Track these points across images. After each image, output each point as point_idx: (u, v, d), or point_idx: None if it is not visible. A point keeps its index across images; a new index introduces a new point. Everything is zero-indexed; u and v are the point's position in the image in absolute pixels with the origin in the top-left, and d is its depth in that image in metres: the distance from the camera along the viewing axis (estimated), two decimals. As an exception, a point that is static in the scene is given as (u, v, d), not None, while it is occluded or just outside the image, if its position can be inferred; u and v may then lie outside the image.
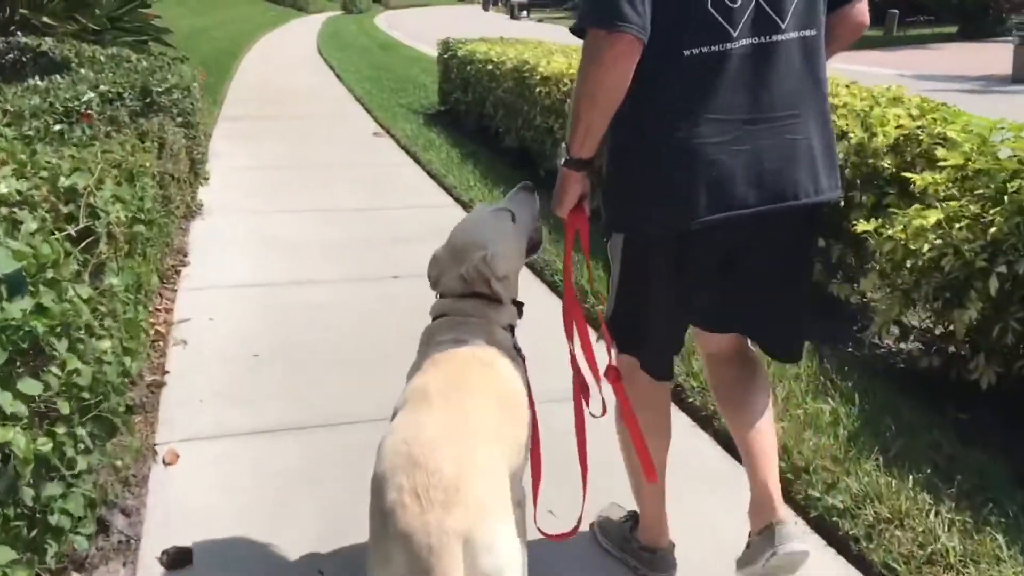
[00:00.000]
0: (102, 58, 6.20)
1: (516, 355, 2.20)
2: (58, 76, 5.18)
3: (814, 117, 2.07)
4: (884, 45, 23.76)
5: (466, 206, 6.64)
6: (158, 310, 4.42)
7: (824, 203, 2.12)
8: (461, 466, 1.65)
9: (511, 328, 2.26)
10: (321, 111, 11.73)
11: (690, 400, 3.46)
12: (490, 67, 8.76)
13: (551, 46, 9.11)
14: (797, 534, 2.23)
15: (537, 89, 7.10)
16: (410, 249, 5.44)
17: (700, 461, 3.11)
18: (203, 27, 24.45)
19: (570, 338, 2.32)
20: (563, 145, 2.13)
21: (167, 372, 3.73)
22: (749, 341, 2.40)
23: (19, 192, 2.50)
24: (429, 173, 7.84)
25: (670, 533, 2.48)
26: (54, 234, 2.40)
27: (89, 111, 4.30)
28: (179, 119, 5.74)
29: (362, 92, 13.12)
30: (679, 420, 3.37)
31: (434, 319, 2.25)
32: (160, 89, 5.51)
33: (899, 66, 18.02)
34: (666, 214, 2.03)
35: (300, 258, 5.36)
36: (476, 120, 9.53)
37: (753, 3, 1.96)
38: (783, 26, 1.99)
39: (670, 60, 1.95)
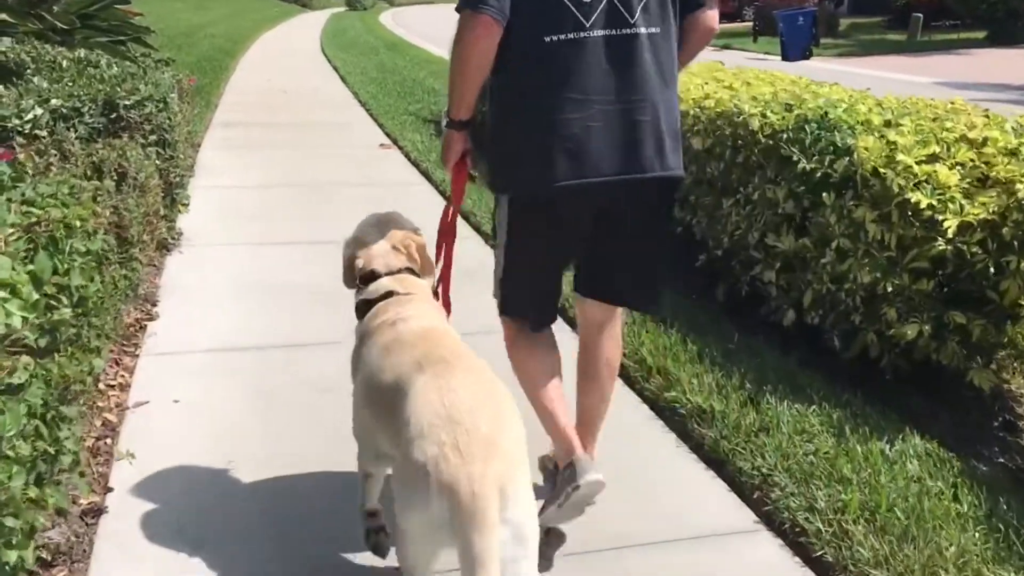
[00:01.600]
0: (64, 63, 5.28)
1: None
2: (0, 87, 4.26)
3: (661, 104, 2.38)
4: (909, 50, 22.83)
5: (488, 238, 5.73)
6: (111, 386, 3.50)
7: (671, 179, 2.46)
8: (494, 423, 1.87)
9: None
10: (323, 118, 10.79)
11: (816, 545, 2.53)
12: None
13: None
14: (594, 465, 2.50)
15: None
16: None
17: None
18: (202, 24, 23.53)
19: (439, 257, 2.65)
20: (444, 110, 2.47)
21: (110, 490, 2.81)
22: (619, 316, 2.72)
23: None
24: (443, 195, 6.90)
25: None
26: None
27: (12, 145, 3.38)
28: (152, 137, 4.81)
29: (367, 96, 12.18)
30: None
31: (375, 299, 2.38)
32: (129, 102, 4.58)
33: (931, 73, 17.12)
34: (532, 178, 2.38)
35: (296, 309, 4.42)
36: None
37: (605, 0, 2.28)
38: (632, 21, 2.32)
39: (534, 45, 2.29)
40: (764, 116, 4.06)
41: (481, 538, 1.72)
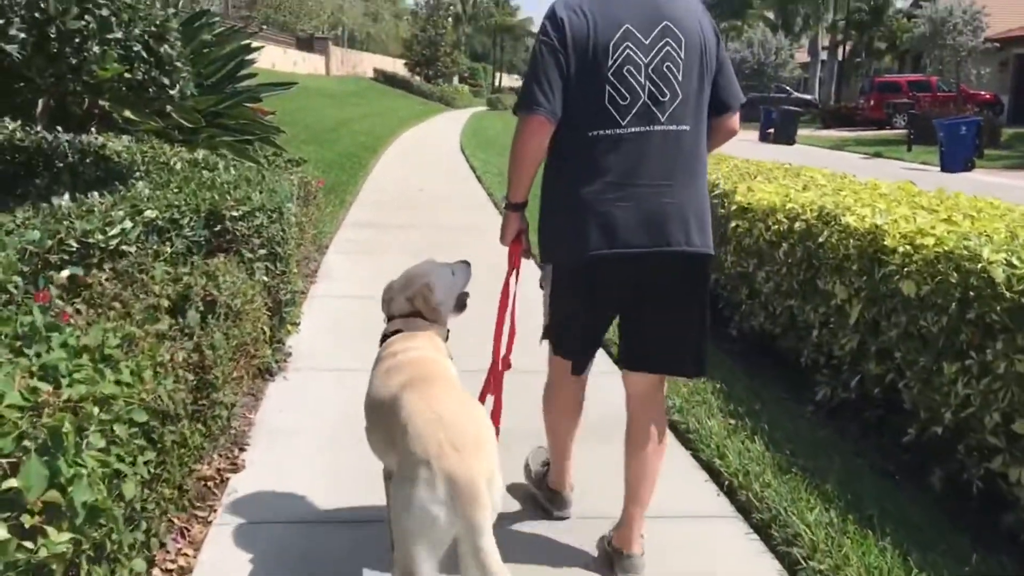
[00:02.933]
0: (178, 165, 4.86)
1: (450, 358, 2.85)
2: (96, 194, 3.80)
3: (686, 189, 2.76)
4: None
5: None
6: (168, 571, 2.82)
7: (697, 255, 2.78)
8: (478, 427, 2.33)
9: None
10: (457, 220, 10.31)
11: None
12: (662, 185, 7.09)
13: (739, 163, 7.38)
14: (641, 566, 2.93)
15: (733, 224, 5.36)
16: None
17: None
18: (347, 119, 24.04)
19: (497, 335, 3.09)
20: (504, 194, 2.98)
21: None
22: (663, 388, 3.06)
23: None
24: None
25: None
26: None
27: (48, 287, 2.81)
28: (261, 251, 4.26)
29: (503, 198, 11.69)
30: None
31: (390, 333, 2.90)
32: (236, 213, 4.05)
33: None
34: (570, 248, 2.77)
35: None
36: (637, 245, 7.86)
37: (640, 102, 2.71)
38: (662, 120, 2.73)
39: (580, 138, 2.74)
40: (1011, 265, 3.13)
41: (480, 514, 2.13)
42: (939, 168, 20.48)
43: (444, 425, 2.24)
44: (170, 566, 2.85)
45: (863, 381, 4.06)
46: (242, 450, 3.74)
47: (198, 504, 3.24)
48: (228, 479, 3.49)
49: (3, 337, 2.11)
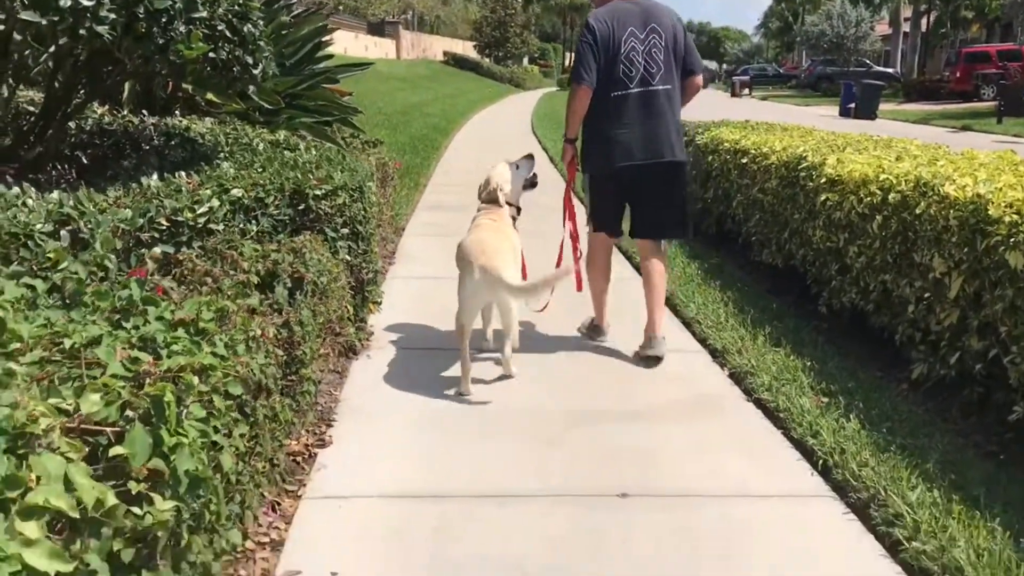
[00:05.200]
0: (261, 146, 4.90)
1: (512, 226, 4.60)
2: (183, 173, 3.85)
3: (671, 123, 4.62)
4: None
5: (716, 353, 4.81)
6: (261, 544, 2.84)
7: (676, 162, 4.69)
8: (497, 246, 4.15)
9: (514, 218, 4.71)
10: (531, 200, 10.24)
11: None
12: (744, 159, 6.92)
13: (825, 135, 7.15)
14: (661, 342, 4.69)
15: (823, 197, 5.19)
16: (651, 433, 3.68)
17: None
18: (419, 103, 24.14)
19: (567, 218, 4.99)
20: (563, 132, 4.82)
21: None
22: (663, 244, 4.97)
23: None
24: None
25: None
26: None
27: (145, 264, 2.83)
28: (344, 230, 4.27)
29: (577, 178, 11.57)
30: None
31: (478, 210, 4.68)
32: (319, 192, 4.06)
33: None
34: (600, 163, 4.67)
35: (487, 446, 3.67)
36: (716, 222, 7.73)
37: (640, 73, 4.53)
38: (653, 83, 4.56)
39: (605, 97, 4.54)
40: None
41: (501, 285, 3.99)
42: (1032, 140, 19.64)
43: (481, 244, 4.10)
44: (263, 539, 2.87)
45: (963, 357, 3.89)
46: (329, 426, 3.76)
47: (288, 478, 3.26)
48: (316, 454, 3.51)
49: (102, 311, 2.13)
